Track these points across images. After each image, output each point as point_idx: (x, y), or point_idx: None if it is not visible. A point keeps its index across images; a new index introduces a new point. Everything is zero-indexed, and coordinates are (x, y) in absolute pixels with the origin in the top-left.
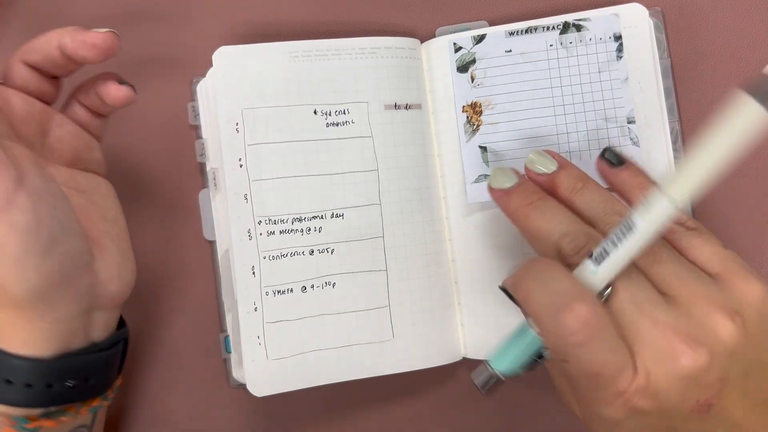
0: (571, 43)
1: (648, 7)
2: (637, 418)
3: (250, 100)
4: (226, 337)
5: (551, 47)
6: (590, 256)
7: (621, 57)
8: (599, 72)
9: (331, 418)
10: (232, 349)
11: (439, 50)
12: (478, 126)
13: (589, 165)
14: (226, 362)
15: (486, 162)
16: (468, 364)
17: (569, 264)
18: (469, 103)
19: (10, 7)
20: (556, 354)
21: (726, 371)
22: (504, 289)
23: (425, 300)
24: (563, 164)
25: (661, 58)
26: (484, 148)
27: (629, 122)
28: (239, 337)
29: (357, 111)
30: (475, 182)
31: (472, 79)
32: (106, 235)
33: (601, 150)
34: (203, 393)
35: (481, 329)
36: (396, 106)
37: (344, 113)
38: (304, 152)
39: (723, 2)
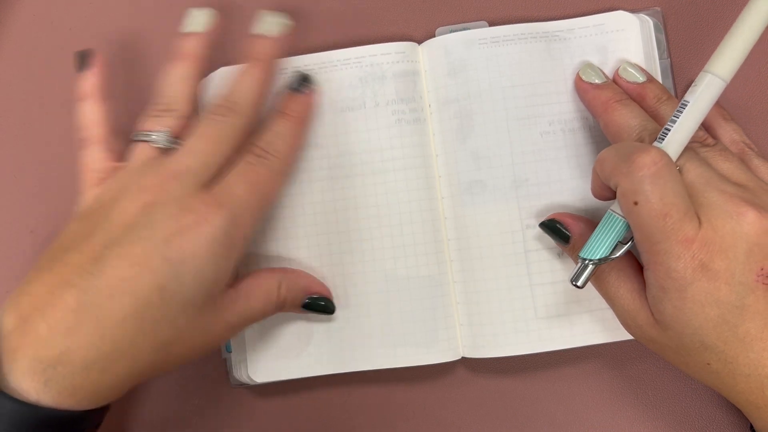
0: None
1: (648, 7)
2: (706, 281)
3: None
4: None
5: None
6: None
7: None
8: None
9: (329, 418)
10: (233, 349)
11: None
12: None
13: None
14: (226, 362)
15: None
16: (466, 364)
17: None
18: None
19: (10, 7)
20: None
21: None
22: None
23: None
24: (650, 78)
25: (661, 58)
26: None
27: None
28: (242, 334)
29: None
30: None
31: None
32: None
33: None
34: (203, 393)
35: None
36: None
37: None
38: None
39: (723, 2)
